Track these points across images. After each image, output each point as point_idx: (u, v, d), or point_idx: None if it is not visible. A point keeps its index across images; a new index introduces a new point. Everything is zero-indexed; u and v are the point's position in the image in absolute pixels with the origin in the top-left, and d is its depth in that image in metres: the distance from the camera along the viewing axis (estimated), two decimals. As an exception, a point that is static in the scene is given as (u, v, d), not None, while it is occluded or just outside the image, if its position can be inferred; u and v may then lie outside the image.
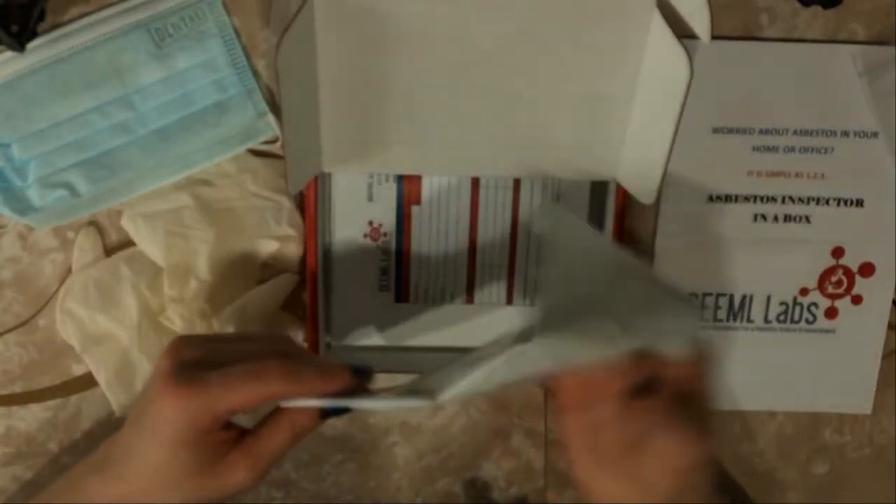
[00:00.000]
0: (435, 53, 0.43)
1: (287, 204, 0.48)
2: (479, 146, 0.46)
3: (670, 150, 0.41)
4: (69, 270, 0.48)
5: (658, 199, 0.48)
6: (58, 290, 0.48)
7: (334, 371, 0.38)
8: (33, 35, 0.42)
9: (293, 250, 0.49)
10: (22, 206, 0.45)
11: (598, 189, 0.49)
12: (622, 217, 0.49)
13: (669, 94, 0.40)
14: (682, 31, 0.40)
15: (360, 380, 0.38)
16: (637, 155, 0.45)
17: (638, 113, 0.45)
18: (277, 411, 0.39)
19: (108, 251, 0.48)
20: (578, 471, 0.41)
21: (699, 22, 0.40)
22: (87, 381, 0.50)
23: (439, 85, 0.44)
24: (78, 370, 0.50)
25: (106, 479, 0.38)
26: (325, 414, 0.38)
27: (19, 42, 0.41)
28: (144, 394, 0.38)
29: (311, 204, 0.47)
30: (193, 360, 0.37)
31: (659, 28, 0.41)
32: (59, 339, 0.49)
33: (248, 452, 0.38)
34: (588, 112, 0.45)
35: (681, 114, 0.40)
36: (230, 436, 0.38)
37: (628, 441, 0.38)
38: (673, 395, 0.37)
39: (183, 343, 0.38)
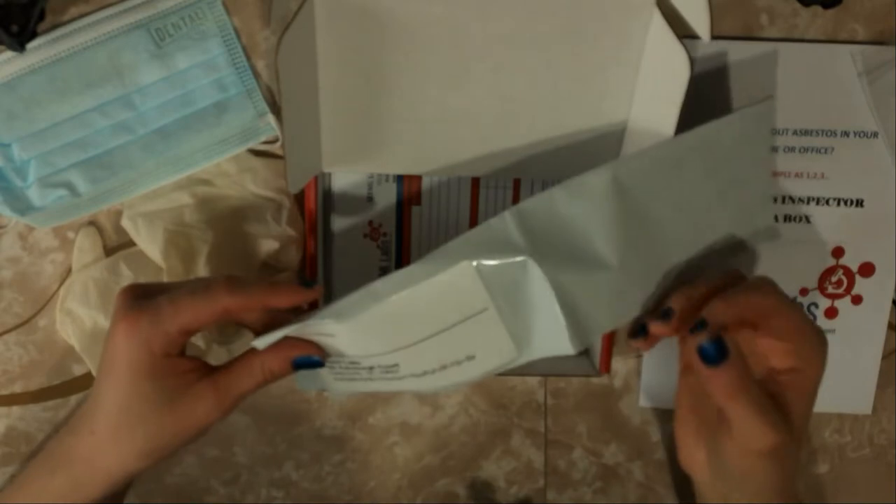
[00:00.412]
0: (435, 53, 0.43)
1: (287, 204, 0.48)
2: (479, 146, 0.46)
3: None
4: (69, 270, 0.48)
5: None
6: (58, 290, 0.48)
7: (282, 285, 0.38)
8: (33, 35, 0.42)
9: (293, 250, 0.49)
10: (22, 206, 0.45)
11: (598, 189, 0.49)
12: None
13: (669, 94, 0.40)
14: (682, 31, 0.40)
15: (309, 293, 0.39)
16: (637, 155, 0.45)
17: (637, 112, 0.45)
18: (250, 351, 0.39)
19: (108, 251, 0.48)
20: (677, 430, 0.43)
21: (699, 21, 0.40)
22: (87, 381, 0.50)
23: (439, 85, 0.44)
24: (78, 370, 0.50)
25: (80, 436, 0.38)
26: (298, 365, 0.39)
27: (19, 42, 0.41)
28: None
29: (311, 204, 0.47)
30: (144, 294, 0.38)
31: (659, 27, 0.41)
32: (59, 339, 0.49)
33: (216, 384, 0.38)
34: (587, 111, 0.45)
35: (680, 113, 0.40)
36: (194, 365, 0.38)
37: (718, 413, 0.39)
38: (760, 370, 0.38)
39: (134, 285, 0.39)
